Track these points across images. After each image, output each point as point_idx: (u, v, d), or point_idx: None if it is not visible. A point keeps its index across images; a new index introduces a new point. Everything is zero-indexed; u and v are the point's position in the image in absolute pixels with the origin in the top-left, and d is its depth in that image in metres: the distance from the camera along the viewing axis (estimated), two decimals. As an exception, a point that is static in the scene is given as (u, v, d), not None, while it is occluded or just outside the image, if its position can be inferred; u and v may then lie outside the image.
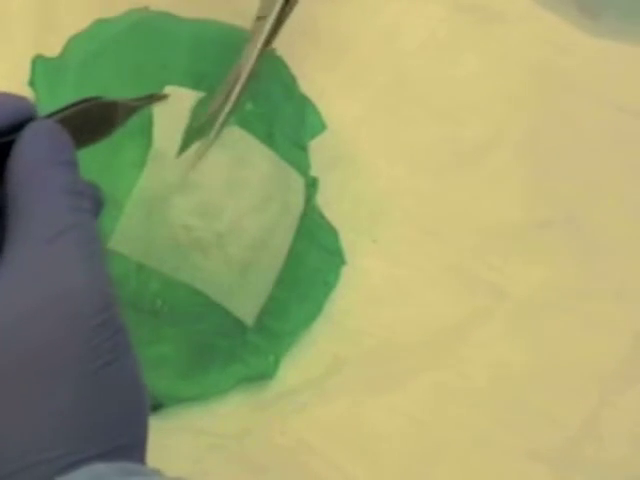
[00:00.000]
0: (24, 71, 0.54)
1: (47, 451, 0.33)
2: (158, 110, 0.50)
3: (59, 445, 0.33)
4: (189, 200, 0.50)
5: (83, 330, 0.34)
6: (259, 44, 0.50)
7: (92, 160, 0.47)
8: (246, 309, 0.53)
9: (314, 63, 0.63)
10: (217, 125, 0.50)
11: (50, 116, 0.38)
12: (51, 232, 0.35)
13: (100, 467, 0.33)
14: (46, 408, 0.34)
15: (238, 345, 0.54)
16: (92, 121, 0.39)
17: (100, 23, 0.57)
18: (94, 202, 0.39)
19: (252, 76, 0.50)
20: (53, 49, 0.56)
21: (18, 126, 0.37)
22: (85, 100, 0.39)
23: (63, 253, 0.35)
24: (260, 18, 0.51)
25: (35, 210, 0.35)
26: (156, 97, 0.48)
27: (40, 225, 0.35)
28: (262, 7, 0.51)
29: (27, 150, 0.36)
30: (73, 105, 0.39)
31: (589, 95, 0.64)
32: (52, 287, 0.34)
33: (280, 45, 0.58)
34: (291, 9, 0.51)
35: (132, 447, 0.35)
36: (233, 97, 0.50)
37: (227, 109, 0.50)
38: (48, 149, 0.36)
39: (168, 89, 0.50)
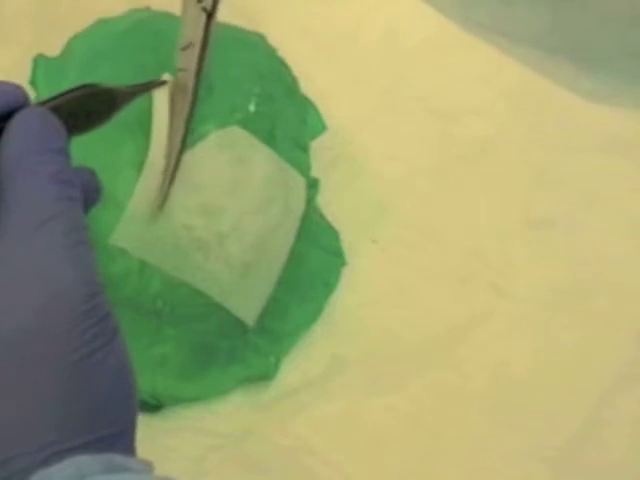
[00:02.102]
0: (25, 70, 0.54)
1: (30, 441, 0.33)
2: (157, 106, 0.50)
3: (43, 435, 0.33)
4: (190, 200, 0.50)
5: (69, 317, 0.34)
6: (193, 75, 0.48)
7: (92, 158, 0.47)
8: (247, 309, 0.53)
9: (314, 63, 0.63)
10: (174, 156, 0.49)
11: (44, 103, 0.38)
12: (37, 220, 0.35)
13: (85, 459, 0.33)
14: (30, 397, 0.33)
15: (239, 346, 0.54)
16: (89, 108, 0.39)
17: (100, 23, 0.57)
18: (89, 190, 0.39)
19: (195, 105, 0.48)
20: (53, 49, 0.56)
21: (10, 114, 0.37)
22: (83, 86, 0.39)
23: (49, 241, 0.35)
24: (185, 48, 0.49)
25: (22, 198, 0.35)
26: (154, 84, 0.48)
27: (26, 213, 0.35)
28: (185, 37, 0.49)
29: (15, 138, 0.36)
30: (70, 91, 0.39)
31: (588, 95, 0.64)
32: (38, 275, 0.34)
33: (281, 45, 0.58)
34: (210, 32, 0.49)
35: (119, 436, 0.35)
36: (179, 133, 0.49)
37: (177, 145, 0.49)
38: (37, 137, 0.36)
39: (166, 76, 0.50)
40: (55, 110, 0.38)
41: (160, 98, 0.49)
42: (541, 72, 0.64)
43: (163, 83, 0.49)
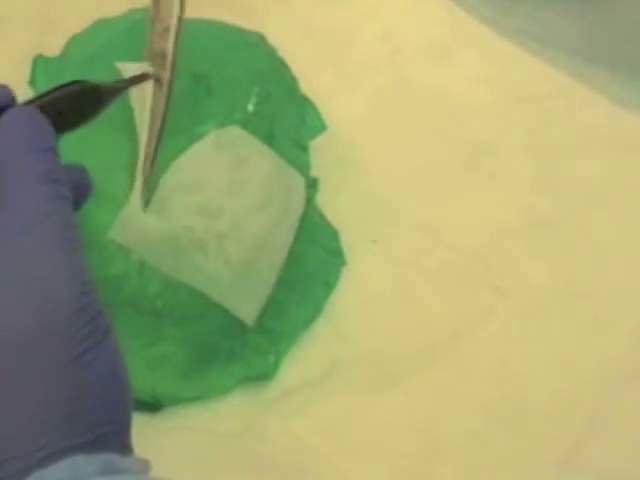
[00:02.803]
0: (25, 70, 0.55)
1: (26, 442, 0.33)
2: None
3: (38, 435, 0.33)
4: (190, 200, 0.50)
5: (61, 316, 0.34)
6: (169, 62, 0.48)
7: (88, 157, 0.47)
8: (246, 309, 0.53)
9: (314, 63, 0.63)
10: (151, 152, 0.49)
11: (30, 102, 0.38)
12: (27, 221, 0.35)
13: (81, 460, 0.33)
14: (24, 397, 0.33)
15: (238, 345, 0.54)
16: (75, 105, 0.39)
17: (100, 23, 0.57)
18: (79, 187, 0.39)
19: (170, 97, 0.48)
20: (53, 49, 0.56)
21: None
22: (67, 84, 0.39)
23: (40, 241, 0.35)
24: (152, 56, 0.48)
25: (12, 199, 0.35)
26: (138, 78, 0.47)
27: (17, 214, 0.35)
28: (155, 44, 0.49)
29: (4, 138, 0.36)
30: (54, 90, 0.39)
31: (589, 95, 0.64)
32: (30, 275, 0.34)
33: (280, 45, 0.58)
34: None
35: (115, 435, 0.35)
36: (155, 134, 0.49)
37: (154, 139, 0.48)
38: (25, 136, 0.36)
39: (148, 68, 0.49)
40: (42, 109, 0.38)
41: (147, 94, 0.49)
42: (576, 78, 0.64)
43: (147, 78, 0.48)
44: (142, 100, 0.49)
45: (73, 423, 0.34)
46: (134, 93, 0.48)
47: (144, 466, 0.35)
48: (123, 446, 0.35)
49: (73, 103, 0.39)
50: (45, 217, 0.35)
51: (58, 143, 0.38)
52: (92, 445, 0.34)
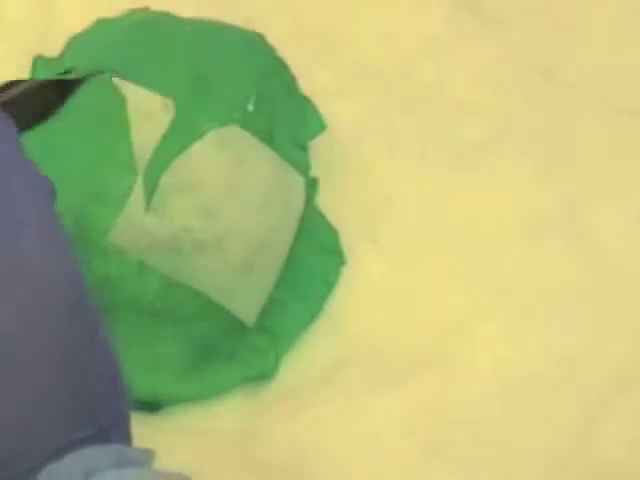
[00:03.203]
0: (25, 71, 0.55)
1: (31, 440, 0.33)
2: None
3: (43, 432, 0.34)
4: (189, 201, 0.50)
5: (55, 314, 0.34)
6: None
7: (84, 158, 0.47)
8: (247, 309, 0.53)
9: (314, 63, 0.63)
10: None
11: None
12: (17, 216, 0.35)
13: (93, 451, 0.33)
14: (25, 396, 0.34)
15: (238, 345, 0.54)
16: (37, 100, 0.39)
17: (100, 23, 0.57)
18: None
19: None
20: (53, 49, 0.56)
21: None
22: (10, 83, 0.39)
23: (31, 238, 0.35)
24: None
25: None
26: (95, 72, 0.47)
27: (5, 210, 0.35)
28: None
29: None
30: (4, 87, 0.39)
31: (588, 95, 0.64)
32: (23, 275, 0.34)
33: (280, 45, 0.58)
34: None
35: (115, 427, 0.36)
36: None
37: None
38: None
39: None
40: (4, 106, 0.38)
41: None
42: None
43: (103, 73, 0.48)
44: (139, 102, 0.49)
45: (75, 418, 0.34)
46: (131, 94, 0.49)
47: (148, 455, 0.35)
48: (123, 437, 0.36)
49: (34, 99, 0.39)
50: (32, 209, 0.35)
51: (23, 138, 0.38)
52: (94, 438, 0.34)
